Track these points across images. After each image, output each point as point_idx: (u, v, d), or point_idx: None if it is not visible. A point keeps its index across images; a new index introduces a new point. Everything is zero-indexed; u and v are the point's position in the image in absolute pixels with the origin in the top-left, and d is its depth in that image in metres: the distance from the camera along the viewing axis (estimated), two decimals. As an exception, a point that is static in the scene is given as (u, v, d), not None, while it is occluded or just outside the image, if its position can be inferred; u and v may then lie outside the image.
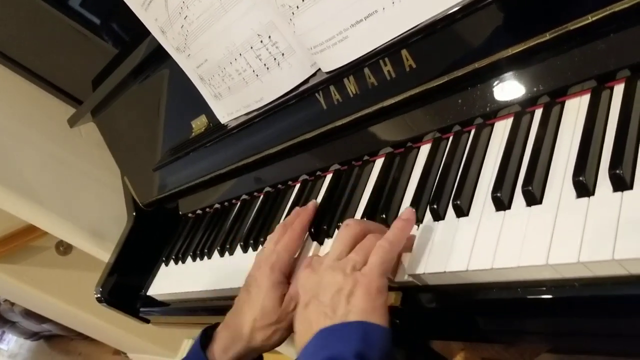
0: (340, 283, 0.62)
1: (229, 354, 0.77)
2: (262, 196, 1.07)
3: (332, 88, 0.83)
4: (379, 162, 0.85)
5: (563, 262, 0.52)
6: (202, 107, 1.02)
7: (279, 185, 1.04)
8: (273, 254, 0.78)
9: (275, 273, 0.76)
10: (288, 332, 0.76)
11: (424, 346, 1.05)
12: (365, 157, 0.87)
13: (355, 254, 0.65)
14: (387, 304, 0.62)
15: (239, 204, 1.12)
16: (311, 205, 0.86)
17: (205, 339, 0.80)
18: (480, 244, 0.61)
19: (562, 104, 0.65)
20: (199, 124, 1.07)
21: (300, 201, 0.94)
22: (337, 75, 0.79)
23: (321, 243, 0.83)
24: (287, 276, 0.78)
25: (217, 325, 0.82)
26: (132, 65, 1.12)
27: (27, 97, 1.49)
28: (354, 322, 0.59)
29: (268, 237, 0.83)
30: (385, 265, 0.63)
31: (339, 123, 0.86)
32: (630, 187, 0.52)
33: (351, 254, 0.65)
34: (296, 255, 0.82)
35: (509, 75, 0.68)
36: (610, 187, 0.53)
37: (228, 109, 0.94)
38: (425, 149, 0.79)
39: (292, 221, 0.82)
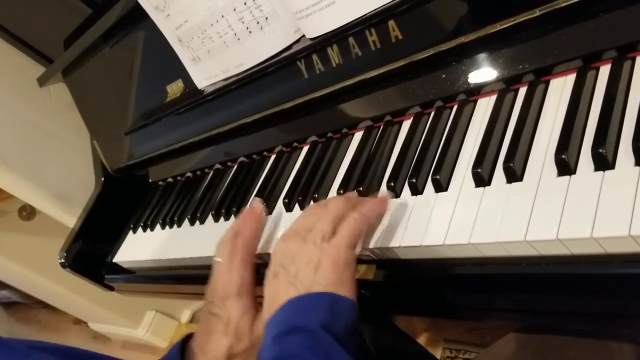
0: (309, 254, 0.61)
1: None
2: (235, 166, 1.05)
3: (314, 57, 0.81)
4: (357, 136, 0.84)
5: (541, 239, 0.52)
6: (179, 71, 0.99)
7: (254, 156, 1.02)
8: (237, 278, 0.70)
9: (243, 297, 0.70)
10: None
11: (389, 323, 1.05)
12: (344, 130, 0.86)
13: (325, 224, 0.63)
14: (355, 277, 0.62)
15: (211, 173, 1.10)
16: (258, 208, 0.77)
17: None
18: (458, 219, 0.60)
19: (547, 82, 0.65)
20: (175, 88, 1.04)
21: (275, 172, 0.93)
22: (321, 43, 0.78)
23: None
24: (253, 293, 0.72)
25: (189, 337, 0.74)
26: (107, 24, 1.08)
27: (-5, 53, 1.43)
28: (321, 293, 0.59)
29: (219, 246, 0.73)
30: (354, 237, 0.62)
31: (319, 94, 0.84)
32: (612, 166, 0.52)
33: (321, 224, 0.63)
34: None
35: (495, 51, 0.68)
36: (592, 166, 0.53)
37: (206, 74, 0.92)
38: (406, 124, 0.78)
39: (241, 228, 0.74)
